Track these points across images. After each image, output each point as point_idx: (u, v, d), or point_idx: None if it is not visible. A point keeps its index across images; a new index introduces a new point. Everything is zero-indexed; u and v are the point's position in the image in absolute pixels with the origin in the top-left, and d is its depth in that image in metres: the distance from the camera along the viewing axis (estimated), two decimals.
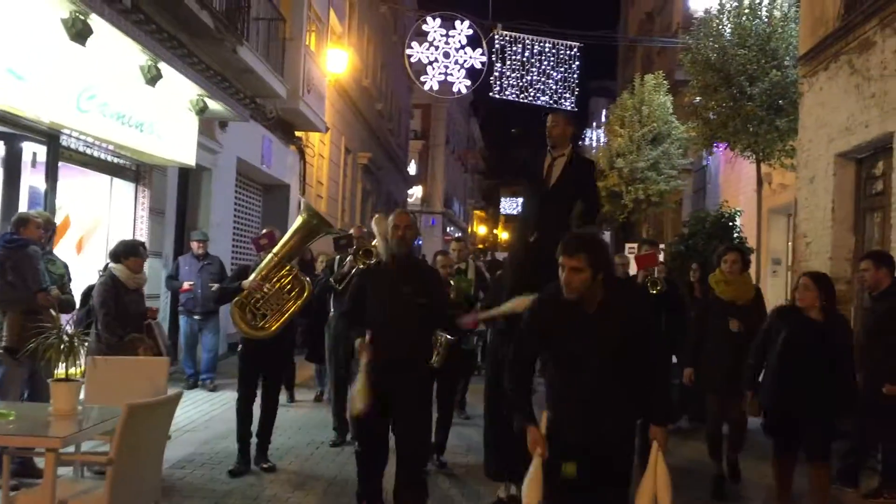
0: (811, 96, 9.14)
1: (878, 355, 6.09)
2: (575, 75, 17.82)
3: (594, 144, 39.29)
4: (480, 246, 47.02)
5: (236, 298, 5.89)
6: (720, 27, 11.01)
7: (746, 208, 12.37)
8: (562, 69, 17.93)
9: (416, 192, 38.18)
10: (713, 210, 10.90)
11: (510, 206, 66.10)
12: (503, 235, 66.34)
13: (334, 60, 16.66)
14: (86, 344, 4.54)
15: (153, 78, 7.76)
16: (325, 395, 8.72)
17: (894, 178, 7.23)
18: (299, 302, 5.93)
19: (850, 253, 8.43)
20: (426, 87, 18.12)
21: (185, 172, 10.88)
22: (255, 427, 6.21)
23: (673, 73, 19.96)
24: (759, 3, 10.70)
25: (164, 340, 6.30)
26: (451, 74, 17.71)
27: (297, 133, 16.11)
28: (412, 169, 38.14)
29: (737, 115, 10.42)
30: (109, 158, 9.04)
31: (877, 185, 8.14)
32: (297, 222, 6.14)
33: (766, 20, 10.64)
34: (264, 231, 6.47)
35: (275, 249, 5.94)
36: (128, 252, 6.00)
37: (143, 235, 9.79)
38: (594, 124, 41.67)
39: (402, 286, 4.82)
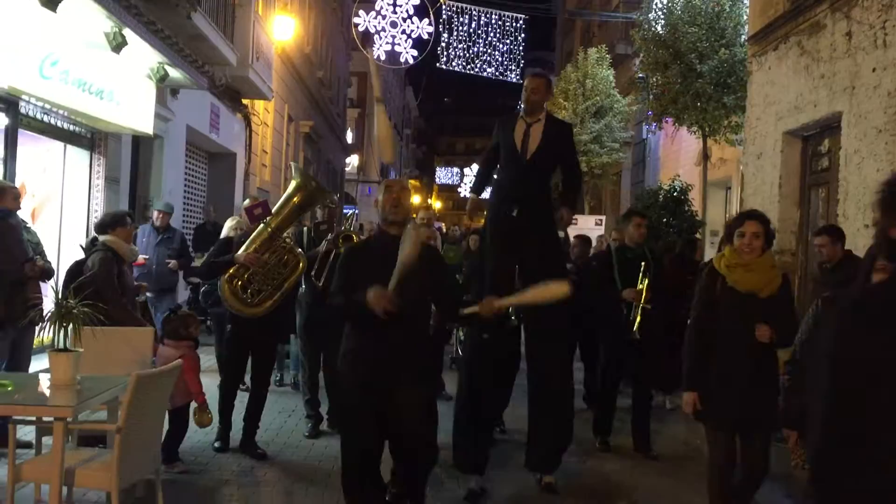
0: (760, 75, 9.52)
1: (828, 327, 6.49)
2: (521, 47, 18.01)
3: None
4: (414, 215, 46.90)
5: (227, 273, 5.57)
6: (670, 4, 11.31)
7: (687, 182, 12.81)
8: (507, 41, 18.10)
9: (352, 160, 37.95)
10: (665, 184, 11.25)
11: (445, 175, 66.34)
12: (436, 205, 66.57)
13: (281, 27, 16.46)
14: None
15: (118, 45, 7.64)
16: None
17: (841, 155, 7.64)
18: (294, 276, 5.66)
19: (795, 226, 8.88)
20: (373, 56, 18.04)
21: (136, 141, 10.71)
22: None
23: (615, 47, 20.36)
24: None
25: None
26: (399, 44, 17.72)
27: (244, 101, 15.92)
28: (349, 138, 37.89)
29: (686, 91, 10.76)
30: (65, 125, 8.85)
31: (822, 162, 8.58)
32: (290, 188, 5.79)
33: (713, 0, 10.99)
34: (258, 200, 6.13)
35: (268, 220, 5.61)
36: (116, 222, 5.71)
37: (98, 204, 9.64)
38: None
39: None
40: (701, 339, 4.28)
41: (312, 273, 6.07)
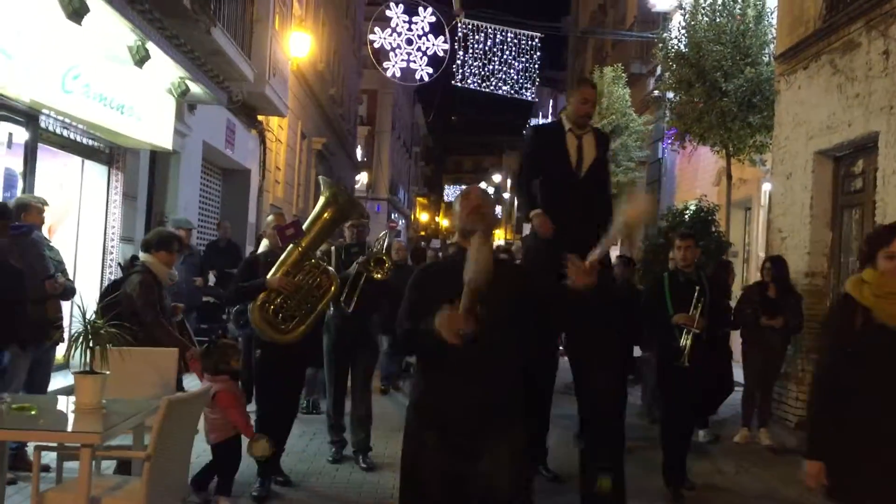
0: (789, 94, 9.36)
1: None
2: (536, 66, 17.92)
3: None
4: (422, 233, 46.86)
5: (258, 299, 5.25)
6: (693, 23, 11.18)
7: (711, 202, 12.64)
8: (523, 59, 18.02)
9: (361, 178, 37.90)
10: (692, 204, 11.07)
11: (453, 193, 66.24)
12: (444, 222, 66.48)
13: (297, 44, 16.41)
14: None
15: (142, 59, 7.54)
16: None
17: (879, 175, 7.46)
18: (327, 298, 5.39)
19: (826, 248, 8.69)
20: (388, 74, 18.01)
21: (152, 156, 10.59)
22: None
23: (629, 66, 20.24)
24: (734, 2, 10.89)
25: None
26: (414, 61, 17.62)
27: (259, 117, 15.83)
28: (359, 155, 37.85)
29: (711, 111, 10.61)
30: (83, 140, 8.74)
31: (856, 183, 8.40)
32: (320, 203, 5.46)
33: (739, 18, 10.85)
34: (285, 219, 5.99)
35: (299, 240, 5.29)
36: (161, 243, 5.47)
37: (115, 221, 9.52)
38: (540, 114, 41.99)
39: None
40: (834, 393, 3.30)
41: (342, 298, 5.82)
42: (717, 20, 10.91)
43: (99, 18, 6.68)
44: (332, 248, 6.07)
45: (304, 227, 5.36)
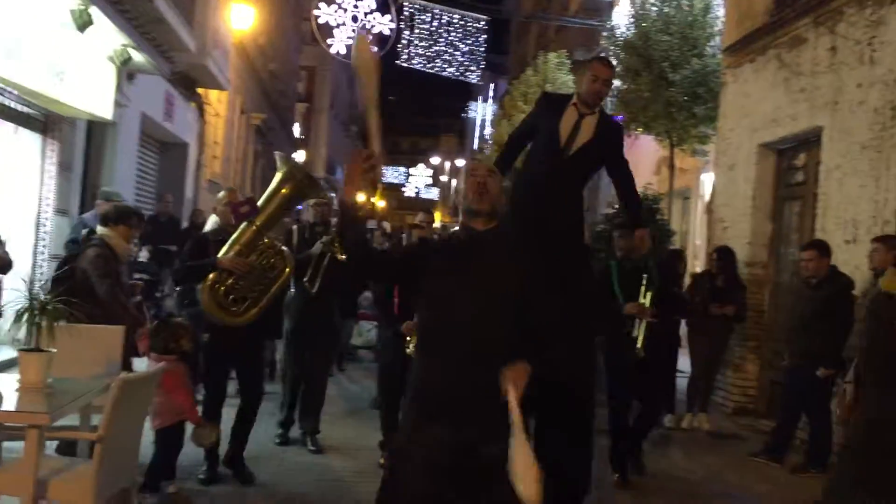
0: (735, 87, 9.53)
1: (818, 341, 6.49)
2: (482, 49, 17.86)
3: (485, 118, 39.71)
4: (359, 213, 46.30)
5: (208, 278, 4.93)
6: (642, 12, 11.27)
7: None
8: (469, 41, 17.94)
9: (299, 156, 37.35)
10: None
11: (390, 174, 65.83)
12: (381, 203, 66.09)
13: (240, 16, 16.00)
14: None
15: (84, 24, 7.23)
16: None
17: (821, 169, 7.66)
18: (281, 280, 5.11)
19: (767, 239, 8.89)
20: (333, 51, 17.74)
21: (89, 127, 10.21)
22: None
23: (572, 52, 20.37)
24: None
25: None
26: None
27: (199, 90, 15.41)
28: (296, 132, 37.29)
29: (658, 100, 10.74)
30: (17, 106, 8.36)
31: (797, 176, 8.61)
32: (276, 180, 5.13)
33: (687, 9, 10.99)
34: (239, 196, 5.61)
35: (253, 218, 4.98)
36: (120, 217, 5.23)
37: (50, 192, 9.16)
38: (480, 98, 42.06)
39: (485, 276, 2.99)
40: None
41: (306, 278, 5.65)
42: (666, 10, 11.03)
43: None
44: (295, 226, 5.88)
45: (258, 204, 5.10)
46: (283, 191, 5.08)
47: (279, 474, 5.68)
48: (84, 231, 6.16)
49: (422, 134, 72.61)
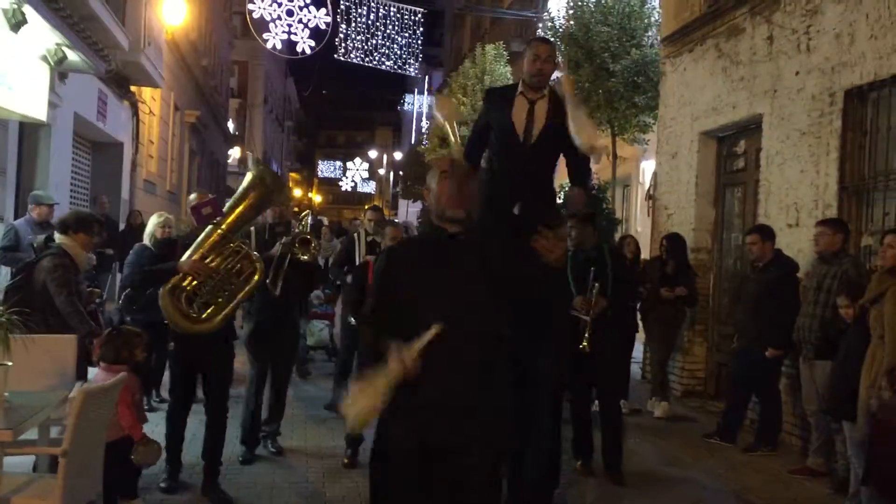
0: (675, 76, 9.71)
1: (764, 323, 6.68)
2: (419, 41, 17.81)
3: (421, 110, 39.61)
4: (296, 209, 45.94)
5: (168, 283, 4.75)
6: (581, 3, 11.37)
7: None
8: (406, 34, 17.88)
9: (234, 152, 36.76)
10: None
11: (327, 168, 65.43)
12: (317, 198, 65.61)
13: (172, 11, 15.64)
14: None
15: (17, 23, 6.96)
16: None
17: (762, 156, 7.86)
18: (250, 286, 4.88)
19: (710, 224, 9.10)
20: (269, 46, 17.48)
21: (21, 128, 9.86)
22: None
23: (509, 44, 20.46)
24: None
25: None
26: (295, 34, 17.15)
27: (132, 88, 15.02)
28: (230, 128, 36.70)
29: (598, 91, 10.85)
30: None
31: (738, 163, 8.82)
32: (245, 182, 5.02)
33: (624, 1, 11.12)
34: (205, 198, 5.45)
35: (219, 221, 4.85)
36: (80, 224, 5.04)
37: None
38: (416, 90, 41.95)
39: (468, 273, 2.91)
40: None
41: (267, 280, 5.47)
42: (604, 1, 11.15)
43: None
44: (253, 228, 5.74)
45: (225, 207, 4.99)
46: (252, 195, 4.97)
47: (242, 475, 5.62)
48: (39, 238, 5.89)
49: (357, 127, 72.21)
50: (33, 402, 4.15)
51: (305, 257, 5.68)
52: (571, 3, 11.69)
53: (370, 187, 64.10)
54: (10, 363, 4.00)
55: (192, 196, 5.51)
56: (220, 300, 4.80)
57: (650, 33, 11.04)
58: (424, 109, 38.76)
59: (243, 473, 5.72)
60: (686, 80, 9.43)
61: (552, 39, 11.67)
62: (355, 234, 7.54)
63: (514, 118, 4.49)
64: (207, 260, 4.78)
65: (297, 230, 5.78)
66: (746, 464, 6.60)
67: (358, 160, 65.09)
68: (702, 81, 9.05)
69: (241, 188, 5.03)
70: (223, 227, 4.86)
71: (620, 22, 10.95)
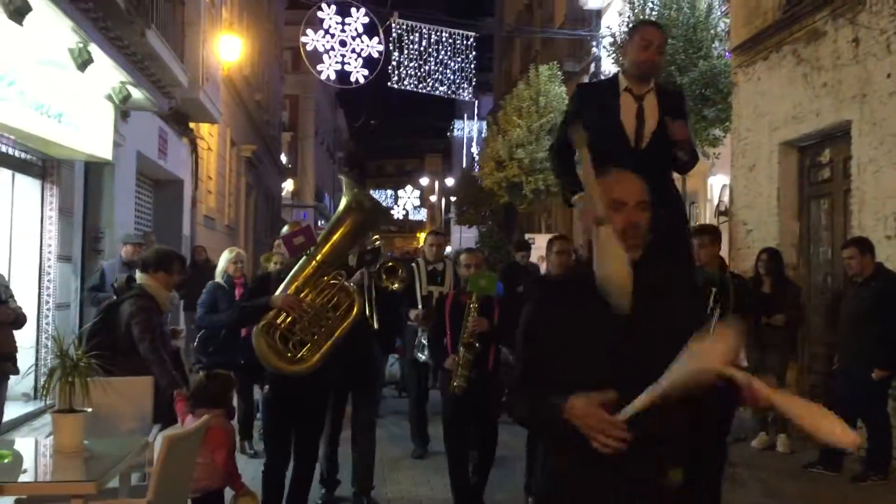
0: (748, 86, 9.33)
1: (868, 341, 6.23)
2: (472, 65, 17.70)
3: (471, 135, 39.57)
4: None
5: (262, 321, 4.41)
6: (642, 16, 11.09)
7: None
8: (459, 59, 17.77)
9: (287, 185, 37.08)
10: None
11: (378, 198, 65.75)
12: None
13: (227, 47, 15.77)
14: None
15: (84, 62, 6.93)
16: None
17: (853, 164, 7.44)
18: (348, 321, 4.50)
19: (795, 239, 8.66)
20: (323, 77, 17.49)
21: (86, 168, 9.90)
22: None
23: (562, 64, 20.24)
24: None
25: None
26: (349, 63, 17.14)
27: (190, 124, 15.14)
28: (283, 161, 37.06)
29: None
30: (13, 152, 8.03)
31: (823, 173, 8.39)
32: (339, 209, 4.67)
33: (688, 11, 10.81)
34: (298, 226, 5.11)
35: (313, 251, 4.51)
36: (161, 262, 4.85)
37: (52, 237, 8.82)
38: (465, 115, 41.93)
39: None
40: None
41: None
42: (667, 13, 10.86)
43: (40, 18, 6.07)
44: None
45: (319, 236, 4.69)
46: (349, 221, 4.61)
47: None
48: (120, 277, 5.76)
49: (406, 156, 72.48)
50: (113, 449, 3.97)
51: (395, 286, 5.34)
52: (631, 16, 11.42)
53: (422, 215, 64.12)
54: (89, 409, 3.83)
55: (285, 228, 5.17)
56: (316, 337, 4.45)
57: (717, 44, 10.70)
58: (475, 135, 38.67)
59: None
60: (762, 90, 9.04)
61: (614, 55, 11.44)
62: (413, 265, 7.02)
63: (624, 118, 3.86)
64: (302, 294, 4.44)
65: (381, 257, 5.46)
66: (857, 494, 6.14)
67: (409, 188, 65.23)
68: (779, 90, 8.66)
69: (335, 214, 4.73)
70: (318, 257, 4.50)
71: (686, 34, 10.65)
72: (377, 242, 5.93)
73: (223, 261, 6.80)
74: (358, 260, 5.38)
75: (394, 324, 6.27)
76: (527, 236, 16.48)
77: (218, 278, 6.77)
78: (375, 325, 5.09)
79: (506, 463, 6.11)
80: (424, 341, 6.30)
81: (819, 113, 7.95)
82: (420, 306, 6.74)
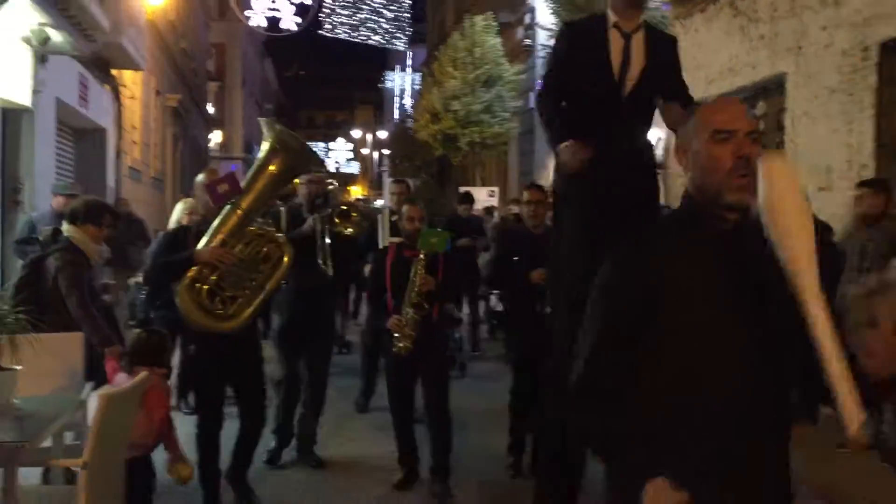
0: (686, 38, 9.32)
1: None
2: (407, 14, 17.34)
3: (403, 87, 39.04)
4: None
5: (186, 277, 4.06)
6: None
7: None
8: (393, 8, 17.39)
9: (215, 136, 36.13)
10: None
11: None
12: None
13: None
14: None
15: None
16: None
17: (787, 116, 7.55)
18: (279, 272, 4.20)
19: None
20: (252, 24, 16.93)
21: (3, 115, 9.38)
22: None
23: (498, 15, 20.05)
24: None
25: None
26: (279, 10, 16.60)
27: (112, 71, 14.49)
28: (210, 111, 36.04)
29: None
30: None
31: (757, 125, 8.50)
32: (262, 152, 4.29)
33: None
34: (217, 174, 4.58)
35: (237, 200, 4.11)
36: (89, 214, 4.52)
37: None
38: (396, 67, 41.37)
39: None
40: None
41: (320, 260, 4.85)
42: None
43: None
44: (283, 208, 5.04)
45: (244, 182, 4.26)
46: (275, 164, 4.22)
47: (278, 496, 4.94)
48: (46, 229, 5.44)
49: (337, 107, 71.38)
50: (46, 408, 3.77)
51: (350, 231, 5.05)
52: None
53: (354, 168, 63.45)
54: (18, 367, 3.63)
55: (200, 177, 4.66)
56: (247, 292, 4.13)
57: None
58: (407, 87, 38.21)
59: (278, 489, 5.03)
60: (699, 42, 9.08)
61: (552, 5, 11.34)
62: (380, 215, 6.72)
63: (612, 57, 3.57)
64: (228, 246, 4.08)
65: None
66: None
67: (341, 140, 64.37)
68: (717, 42, 8.71)
69: (259, 157, 4.36)
70: (243, 205, 4.11)
71: None
72: (330, 186, 5.63)
73: (178, 211, 6.44)
74: (308, 205, 5.14)
75: (350, 272, 6.12)
76: (461, 189, 16.47)
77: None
78: (330, 272, 4.91)
79: (466, 427, 5.89)
80: None
81: (755, 66, 8.03)
82: None
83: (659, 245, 1.91)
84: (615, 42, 3.59)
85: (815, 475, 5.28)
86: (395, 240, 5.55)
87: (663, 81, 3.67)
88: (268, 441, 5.25)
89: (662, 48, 3.73)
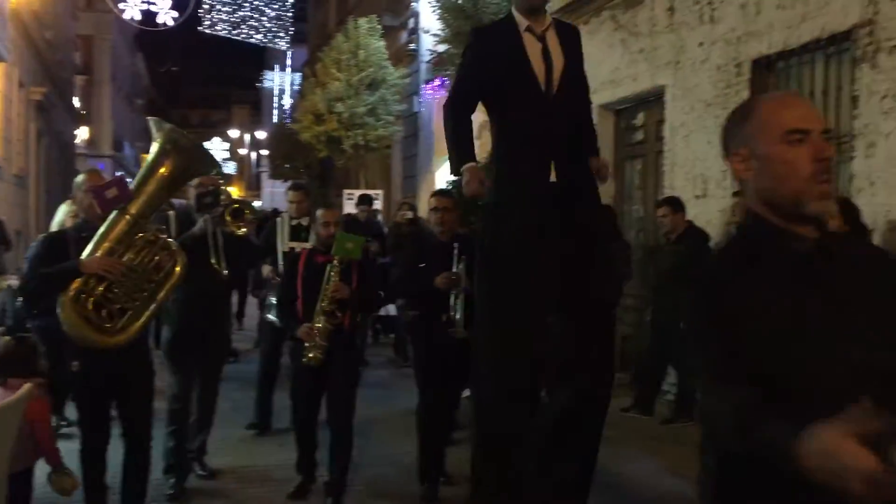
0: None
1: (680, 295, 6.64)
2: (289, 14, 17.07)
3: (282, 87, 38.33)
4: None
5: (71, 288, 3.78)
6: None
7: None
8: (276, 6, 17.09)
9: (81, 132, 34.44)
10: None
11: None
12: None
13: None
14: None
15: None
16: None
17: (666, 127, 7.86)
18: (171, 282, 3.99)
19: (610, 198, 9.03)
20: (126, 17, 16.26)
21: None
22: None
23: (381, 18, 19.99)
24: None
25: None
26: (156, 3, 16.01)
27: None
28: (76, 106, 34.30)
29: None
30: None
31: (637, 135, 8.82)
32: (152, 154, 4.06)
33: None
34: (98, 175, 4.30)
35: (126, 205, 3.88)
36: None
37: None
38: (276, 67, 40.63)
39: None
40: None
41: (213, 261, 4.67)
42: None
43: None
44: (171, 212, 4.93)
45: (132, 186, 4.07)
46: (164, 167, 4.01)
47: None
48: None
49: (213, 106, 69.38)
50: None
51: (243, 230, 4.86)
52: None
53: (231, 168, 61.83)
54: None
55: (80, 177, 4.28)
56: (137, 303, 3.90)
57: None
58: (287, 87, 37.59)
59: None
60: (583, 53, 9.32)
61: (438, 11, 11.40)
62: (279, 219, 6.45)
63: (532, 59, 3.57)
64: (116, 255, 3.85)
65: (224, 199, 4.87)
66: (669, 435, 6.59)
67: (217, 139, 62.59)
68: (599, 54, 8.95)
69: (149, 159, 4.12)
70: (132, 211, 3.89)
71: None
72: (220, 182, 5.39)
73: (61, 213, 5.97)
74: (197, 204, 4.93)
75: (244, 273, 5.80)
76: (345, 192, 16.36)
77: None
78: (224, 272, 4.75)
79: (368, 434, 5.94)
80: (273, 300, 5.72)
81: (636, 78, 8.32)
82: (280, 263, 6.12)
83: (734, 288, 1.63)
84: (531, 46, 3.63)
85: None
86: (306, 245, 5.42)
87: (580, 74, 3.80)
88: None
89: (572, 40, 3.85)
